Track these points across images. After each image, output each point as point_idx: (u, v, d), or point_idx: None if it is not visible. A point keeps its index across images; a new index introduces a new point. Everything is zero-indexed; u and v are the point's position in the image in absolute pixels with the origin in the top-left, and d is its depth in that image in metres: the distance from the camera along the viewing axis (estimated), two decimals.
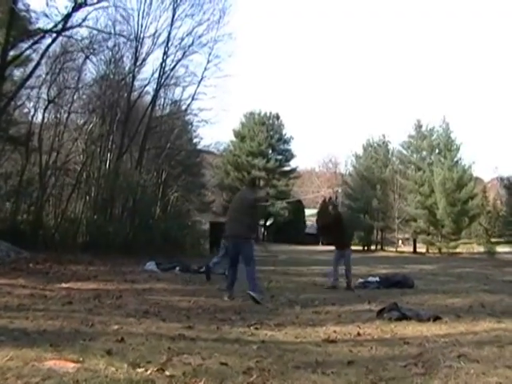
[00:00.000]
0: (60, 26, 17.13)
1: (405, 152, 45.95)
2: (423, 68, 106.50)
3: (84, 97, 22.08)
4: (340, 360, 4.73)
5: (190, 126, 30.38)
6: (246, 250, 9.32)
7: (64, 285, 10.10)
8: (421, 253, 40.84)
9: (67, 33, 17.89)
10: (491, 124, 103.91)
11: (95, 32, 19.09)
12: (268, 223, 58.15)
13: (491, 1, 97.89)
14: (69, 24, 17.40)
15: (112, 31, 20.33)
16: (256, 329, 6.21)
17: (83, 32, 18.91)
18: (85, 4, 17.21)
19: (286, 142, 58.47)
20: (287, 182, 56.73)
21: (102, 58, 21.68)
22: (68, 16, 16.97)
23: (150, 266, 14.81)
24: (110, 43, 20.86)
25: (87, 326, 5.80)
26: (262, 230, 59.26)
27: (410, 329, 6.45)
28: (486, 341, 5.69)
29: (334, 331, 6.19)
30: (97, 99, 21.82)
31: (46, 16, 16.65)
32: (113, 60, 22.16)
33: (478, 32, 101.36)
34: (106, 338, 5.07)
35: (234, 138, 56.61)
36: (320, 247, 43.45)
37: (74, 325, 5.77)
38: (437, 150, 42.39)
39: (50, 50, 18.45)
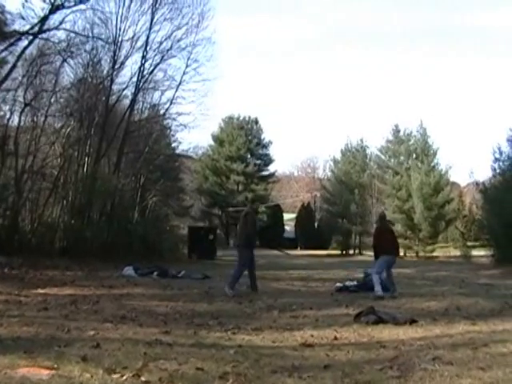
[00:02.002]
0: (36, 29, 16.92)
1: (383, 157, 46.30)
2: (400, 73, 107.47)
3: (61, 100, 21.81)
4: (316, 364, 4.75)
5: (168, 131, 30.18)
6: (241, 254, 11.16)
7: (40, 290, 10.00)
8: (398, 257, 41.05)
9: (44, 35, 17.69)
10: (467, 129, 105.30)
11: (73, 35, 18.88)
12: None
13: (468, 6, 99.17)
14: (46, 26, 17.20)
15: (90, 34, 20.09)
16: (233, 333, 6.21)
17: (60, 35, 18.70)
18: (62, 6, 17.03)
19: (265, 146, 58.51)
20: (266, 187, 56.72)
21: (80, 61, 21.43)
22: (45, 18, 16.77)
23: (128, 270, 14.72)
24: (88, 46, 20.63)
25: (63, 332, 5.76)
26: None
27: (386, 332, 6.50)
28: (460, 343, 5.78)
29: (311, 335, 6.22)
30: (74, 103, 21.58)
31: (23, 18, 16.42)
32: (91, 63, 21.93)
33: (453, 37, 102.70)
34: (81, 344, 5.04)
35: (212, 143, 56.47)
36: (298, 251, 43.60)
37: (50, 331, 5.72)
38: (414, 155, 42.74)
39: (27, 52, 18.19)
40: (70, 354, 4.60)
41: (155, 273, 14.66)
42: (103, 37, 21.04)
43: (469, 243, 34.03)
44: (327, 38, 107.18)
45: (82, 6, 18.18)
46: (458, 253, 35.40)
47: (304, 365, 4.69)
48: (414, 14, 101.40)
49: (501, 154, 25.04)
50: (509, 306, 9.10)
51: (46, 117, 20.75)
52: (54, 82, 20.59)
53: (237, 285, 10.92)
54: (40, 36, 17.50)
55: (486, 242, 27.33)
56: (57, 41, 18.50)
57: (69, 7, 17.31)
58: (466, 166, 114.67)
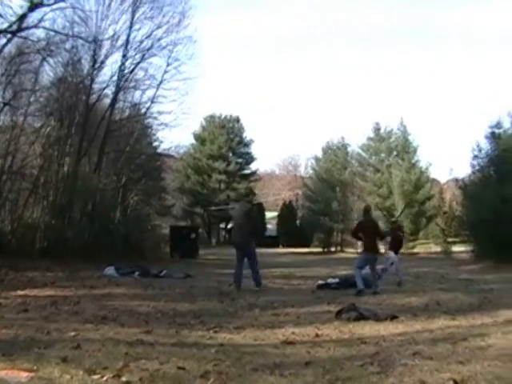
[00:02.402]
0: (15, 27, 16.73)
1: (364, 154, 46.59)
2: (381, 71, 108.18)
3: (41, 99, 21.56)
4: (298, 361, 4.77)
5: (149, 130, 30.03)
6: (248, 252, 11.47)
7: (19, 292, 9.89)
8: (380, 253, 41.33)
9: (23, 34, 17.48)
10: (447, 126, 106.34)
11: (52, 33, 18.66)
12: (229, 226, 58.14)
13: (447, 4, 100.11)
14: (24, 24, 17.02)
15: (70, 33, 19.88)
16: (215, 332, 6.21)
17: (40, 33, 18.48)
18: (41, 4, 16.85)
19: (247, 145, 58.61)
20: (248, 185, 56.82)
21: (60, 60, 21.21)
22: (23, 16, 16.58)
23: (110, 270, 14.63)
24: (68, 45, 20.43)
25: (43, 333, 5.71)
26: (223, 233, 59.18)
27: (367, 328, 6.55)
28: (440, 338, 5.84)
29: (293, 333, 6.24)
30: (54, 102, 21.37)
31: (0, 16, 16.25)
32: (71, 62, 21.72)
33: (433, 35, 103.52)
34: (61, 346, 5.00)
35: (194, 142, 56.39)
36: (281, 249, 43.68)
37: (29, 333, 5.67)
38: (395, 153, 43.07)
39: (5, 50, 17.98)
40: (49, 355, 4.56)
41: (137, 272, 14.60)
42: (83, 35, 20.84)
43: (449, 239, 34.38)
44: (308, 37, 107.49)
45: (62, 4, 18.03)
46: (438, 249, 35.79)
47: (285, 362, 4.70)
48: (393, 12, 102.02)
49: (480, 151, 25.35)
50: (487, 300, 9.23)
51: (25, 116, 20.51)
52: (33, 81, 20.36)
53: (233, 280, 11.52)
54: (19, 34, 17.30)
55: (465, 237, 27.64)
56: (36, 39, 18.32)
57: (48, 5, 17.14)
58: (446, 162, 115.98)
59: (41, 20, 17.33)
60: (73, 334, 5.73)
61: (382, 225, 39.83)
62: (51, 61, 20.47)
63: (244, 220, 11.54)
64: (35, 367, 4.08)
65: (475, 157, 25.52)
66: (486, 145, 25.27)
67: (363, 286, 10.39)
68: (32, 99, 20.55)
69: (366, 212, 12.40)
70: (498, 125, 24.81)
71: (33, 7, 16.62)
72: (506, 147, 23.69)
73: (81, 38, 20.64)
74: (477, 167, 25.89)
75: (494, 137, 24.82)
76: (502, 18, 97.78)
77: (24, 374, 3.82)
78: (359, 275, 10.63)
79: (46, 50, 18.80)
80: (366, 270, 11.22)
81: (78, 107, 22.10)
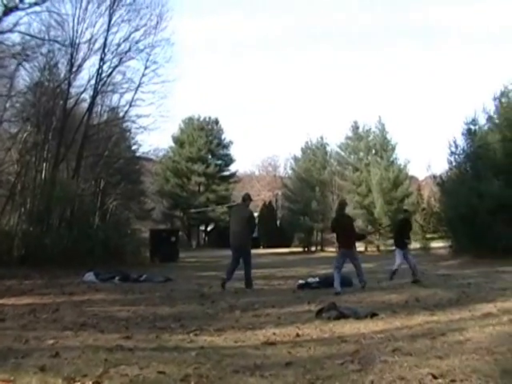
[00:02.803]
0: None
1: (342, 153, 46.74)
2: (358, 70, 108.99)
3: (17, 105, 21.33)
4: (278, 362, 4.78)
5: (128, 133, 29.89)
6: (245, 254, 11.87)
7: None
8: (360, 251, 41.46)
9: None
10: (424, 123, 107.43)
11: (28, 38, 18.49)
12: (209, 228, 58.04)
13: (423, 4, 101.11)
14: None
15: (46, 37, 19.70)
16: (195, 335, 6.19)
17: (15, 38, 18.32)
18: (16, 8, 16.67)
19: (226, 146, 58.52)
20: (227, 187, 56.72)
21: (36, 64, 21.00)
22: None
23: (89, 276, 14.50)
24: (44, 49, 20.22)
25: (21, 342, 5.64)
26: (203, 235, 59.01)
27: (347, 327, 6.59)
28: (419, 334, 5.91)
29: (274, 333, 6.25)
30: (31, 107, 21.15)
31: None
32: (47, 66, 21.51)
33: (409, 34, 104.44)
34: (40, 354, 4.95)
35: (173, 144, 56.18)
36: (261, 250, 43.61)
37: (7, 342, 5.59)
38: (373, 151, 43.28)
39: None
40: (27, 364, 4.51)
41: (117, 277, 14.48)
42: (60, 39, 20.68)
43: (428, 235, 34.69)
44: (284, 37, 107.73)
45: (37, 8, 17.87)
46: (417, 245, 36.11)
47: (266, 363, 4.71)
48: (368, 12, 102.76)
49: (456, 147, 25.64)
50: (466, 295, 9.37)
51: (1, 122, 20.28)
52: (9, 86, 20.12)
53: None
54: None
55: (444, 233, 27.94)
56: (11, 44, 18.12)
57: (23, 9, 16.99)
58: (424, 159, 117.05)
59: (16, 24, 17.18)
60: (51, 341, 5.67)
61: (361, 223, 40.39)
62: (27, 65, 20.30)
63: (243, 224, 11.89)
64: (12, 377, 4.03)
65: (452, 153, 25.85)
66: (462, 141, 25.60)
67: (340, 288, 10.43)
68: (8, 105, 20.33)
69: (341, 207, 12.46)
70: (474, 121, 25.15)
71: (7, 11, 16.45)
72: (481, 143, 24.04)
73: (57, 41, 20.48)
74: (453, 163, 26.20)
75: (469, 133, 25.15)
76: (474, 16, 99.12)
77: None
78: (338, 277, 10.66)
79: (21, 55, 18.58)
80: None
81: (56, 112, 21.90)
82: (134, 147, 31.52)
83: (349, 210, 42.09)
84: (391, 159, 42.13)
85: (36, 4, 17.37)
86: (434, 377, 4.03)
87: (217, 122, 57.80)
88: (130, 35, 23.01)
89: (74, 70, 21.86)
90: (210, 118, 57.51)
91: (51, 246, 19.15)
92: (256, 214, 57.00)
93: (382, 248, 40.08)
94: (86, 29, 21.79)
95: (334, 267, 11.12)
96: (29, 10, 17.34)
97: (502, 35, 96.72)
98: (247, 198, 12.69)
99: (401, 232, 13.39)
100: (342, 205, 12.76)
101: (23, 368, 4.37)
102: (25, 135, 20.90)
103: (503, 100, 24.42)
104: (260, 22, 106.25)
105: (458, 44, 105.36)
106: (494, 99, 24.64)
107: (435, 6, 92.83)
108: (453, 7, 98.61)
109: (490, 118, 24.93)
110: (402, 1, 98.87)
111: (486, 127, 25.05)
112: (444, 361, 4.55)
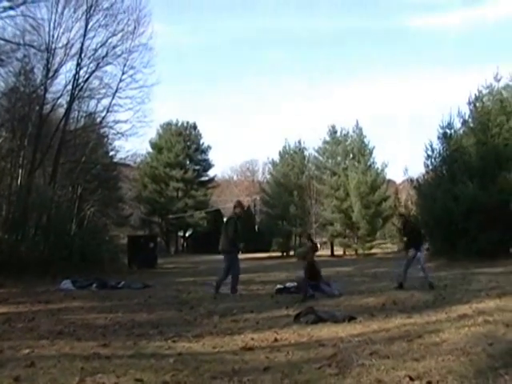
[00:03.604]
0: None
1: (320, 158, 46.94)
2: (336, 74, 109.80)
3: None
4: (256, 367, 4.79)
5: (105, 139, 29.66)
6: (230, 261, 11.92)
7: None
8: (338, 255, 41.84)
9: None
10: (401, 127, 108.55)
11: (2, 42, 18.27)
12: (187, 234, 57.82)
13: (398, 10, 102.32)
14: None
15: (21, 41, 19.45)
16: (173, 342, 6.17)
17: None
18: None
19: (204, 151, 58.39)
20: (206, 192, 56.59)
21: (11, 69, 20.73)
22: None
23: (66, 284, 14.33)
24: (20, 54, 19.99)
25: None
26: (182, 241, 58.76)
27: (325, 331, 6.62)
28: (396, 336, 5.97)
29: (252, 338, 6.26)
30: (6, 113, 20.88)
31: None
32: (23, 72, 21.26)
33: (387, 39, 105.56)
34: (15, 364, 4.89)
35: (151, 150, 55.88)
36: (240, 255, 43.56)
37: None
38: (351, 155, 43.53)
39: None
40: (1, 375, 4.45)
41: (94, 285, 14.33)
42: (35, 44, 20.42)
43: (405, 239, 34.97)
44: (264, 39, 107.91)
45: (12, 13, 17.67)
46: (395, 248, 36.43)
47: (244, 368, 4.71)
48: (346, 15, 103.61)
49: (433, 151, 25.86)
50: (442, 297, 9.49)
51: None
52: None
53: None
54: None
55: None
56: None
57: None
58: (402, 163, 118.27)
59: None
60: (27, 351, 5.60)
61: (339, 227, 40.58)
62: (2, 70, 20.08)
63: (226, 229, 12.08)
64: None
65: (428, 157, 26.07)
66: (438, 145, 25.87)
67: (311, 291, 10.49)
68: None
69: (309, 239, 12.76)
70: (449, 125, 25.44)
71: None
72: (456, 147, 24.34)
73: (33, 46, 20.24)
74: (430, 167, 26.46)
75: (445, 137, 25.43)
76: (451, 18, 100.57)
77: None
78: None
79: None
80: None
81: (31, 118, 21.62)
82: (111, 153, 31.35)
83: (327, 214, 42.73)
84: (369, 163, 42.45)
85: (11, 8, 17.21)
86: (411, 379, 4.09)
87: (195, 126, 57.70)
88: (107, 40, 22.83)
89: (50, 75, 21.62)
90: (188, 122, 57.39)
91: (27, 253, 18.88)
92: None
93: (360, 251, 40.35)
94: (63, 34, 21.58)
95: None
96: (3, 15, 17.18)
97: (477, 38, 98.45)
98: (236, 206, 12.78)
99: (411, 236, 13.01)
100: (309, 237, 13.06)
101: None
102: (0, 141, 20.62)
103: (477, 104, 24.79)
104: (239, 22, 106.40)
105: (435, 47, 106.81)
106: (469, 103, 25.00)
107: (411, 11, 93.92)
108: (426, 12, 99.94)
109: (464, 122, 25.28)
110: (376, 6, 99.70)
111: (461, 131, 25.37)
112: (421, 363, 4.62)
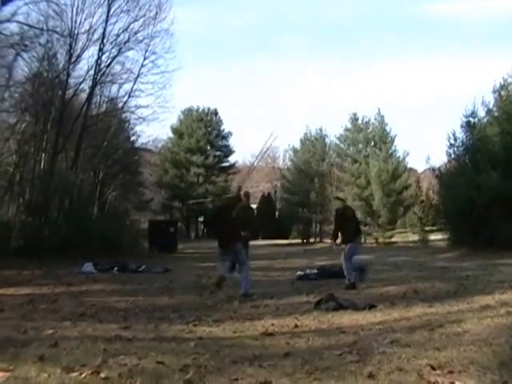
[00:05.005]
0: None
1: (341, 145, 46.56)
2: (358, 60, 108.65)
3: (16, 95, 21.22)
4: (277, 352, 4.79)
5: (127, 124, 29.85)
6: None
7: None
8: (359, 243, 41.59)
9: None
10: (423, 115, 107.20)
11: (26, 28, 18.36)
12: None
13: None
14: None
15: (44, 27, 19.54)
16: (194, 326, 6.21)
17: (13, 27, 18.13)
18: None
19: (225, 137, 58.38)
20: (226, 178, 56.63)
21: (35, 54, 20.85)
22: None
23: (88, 267, 14.51)
24: (43, 39, 20.06)
25: (19, 332, 5.65)
26: (202, 226, 58.94)
27: (346, 318, 6.60)
28: (417, 325, 5.92)
29: (272, 324, 6.26)
30: (29, 97, 21.05)
31: None
32: (46, 57, 21.39)
33: (409, 25, 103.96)
34: (39, 344, 4.96)
35: (171, 135, 56.02)
36: (260, 242, 43.61)
37: (5, 332, 5.60)
38: (372, 143, 43.10)
39: None
40: (26, 354, 4.52)
41: (115, 268, 14.50)
42: (58, 30, 20.54)
43: (426, 228, 34.69)
44: (284, 27, 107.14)
45: None
46: (416, 237, 36.13)
47: (264, 354, 4.72)
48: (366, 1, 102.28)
49: (455, 139, 25.53)
50: (463, 287, 9.38)
51: None
52: (7, 76, 19.98)
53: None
54: None
55: (442, 226, 27.93)
56: (9, 34, 17.94)
57: None
58: (423, 152, 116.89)
59: (14, 14, 17.08)
60: (50, 331, 5.68)
61: (360, 215, 40.44)
62: (26, 56, 20.15)
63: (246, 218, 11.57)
64: (11, 367, 4.04)
65: (451, 146, 25.73)
66: (461, 134, 25.52)
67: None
68: (6, 95, 20.23)
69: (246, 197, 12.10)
70: (473, 114, 25.06)
71: (5, 1, 16.35)
72: (480, 136, 23.98)
73: (56, 32, 20.35)
74: (452, 156, 26.11)
75: (468, 126, 25.07)
76: (477, 7, 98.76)
77: (0, 374, 3.78)
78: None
79: (19, 45, 18.45)
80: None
81: (54, 102, 21.80)
82: (132, 138, 31.52)
83: (348, 202, 42.55)
84: (390, 151, 42.00)
85: None
86: (433, 368, 4.05)
87: (216, 112, 57.66)
88: (129, 26, 22.92)
89: (72, 60, 21.76)
90: (209, 108, 57.36)
91: (49, 236, 19.12)
92: (255, 206, 57.18)
93: (380, 240, 40.12)
94: (85, 19, 21.71)
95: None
96: (27, 0, 17.23)
97: (504, 28, 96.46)
98: (245, 195, 12.21)
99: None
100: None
101: (22, 357, 4.38)
102: (23, 126, 20.82)
103: (502, 93, 24.34)
104: (260, 9, 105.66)
105: (459, 35, 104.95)
106: (494, 92, 24.55)
107: None
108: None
109: (489, 111, 24.84)
110: None
111: (485, 120, 24.95)
112: (442, 352, 4.56)
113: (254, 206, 57.84)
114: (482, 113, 25.08)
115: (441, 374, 3.93)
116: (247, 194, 12.75)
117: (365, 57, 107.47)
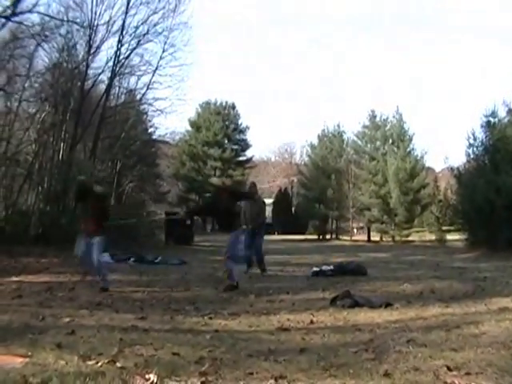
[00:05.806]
0: (9, 11, 16.54)
1: (359, 142, 46.41)
2: (377, 58, 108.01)
3: (36, 85, 21.39)
4: (292, 348, 4.78)
5: (144, 116, 29.98)
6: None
7: (14, 278, 9.89)
8: (375, 241, 41.52)
9: (17, 18, 17.25)
10: (442, 114, 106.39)
11: (47, 18, 18.47)
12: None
13: None
14: (19, 9, 16.82)
15: (65, 18, 19.70)
16: (210, 318, 6.22)
17: (34, 18, 18.31)
18: None
19: (242, 131, 58.47)
20: (243, 172, 56.74)
21: (55, 45, 20.98)
22: (18, 1, 16.41)
23: (104, 257, 14.58)
24: (63, 30, 20.20)
25: (37, 319, 5.71)
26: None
27: (362, 315, 6.57)
28: (434, 325, 5.87)
29: (288, 319, 6.25)
30: (49, 88, 21.20)
31: None
32: (66, 48, 21.50)
33: (428, 22, 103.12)
34: (56, 331, 5.00)
35: (189, 128, 56.20)
36: (275, 237, 43.63)
37: (24, 319, 5.67)
38: (390, 141, 42.95)
39: None
40: (44, 341, 4.56)
41: (132, 259, 14.59)
42: (78, 21, 20.66)
43: (444, 227, 34.48)
44: (304, 21, 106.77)
45: None
46: (433, 237, 35.93)
47: (280, 348, 4.71)
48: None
49: (475, 139, 25.28)
50: (481, 288, 9.27)
51: (19, 102, 20.37)
52: (27, 66, 20.17)
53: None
54: (13, 19, 17.10)
55: (460, 226, 27.71)
56: (30, 24, 18.06)
57: None
58: (442, 151, 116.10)
59: (35, 5, 17.15)
60: (67, 319, 5.73)
61: (376, 212, 40.21)
62: (46, 46, 20.29)
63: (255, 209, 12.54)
64: (29, 353, 4.08)
65: (470, 145, 25.49)
66: (480, 134, 25.25)
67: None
68: (26, 85, 20.40)
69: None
70: (493, 114, 24.78)
71: None
72: (500, 136, 23.69)
73: (76, 23, 20.47)
74: (471, 156, 25.87)
75: (488, 126, 24.80)
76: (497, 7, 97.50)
77: (18, 360, 3.83)
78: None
79: (40, 35, 18.60)
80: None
81: (73, 93, 21.95)
82: (150, 130, 31.62)
83: (364, 199, 42.44)
84: (408, 150, 41.80)
85: None
86: (449, 369, 4.00)
87: (233, 106, 57.77)
88: (148, 18, 22.93)
89: (92, 51, 21.86)
90: (226, 102, 57.51)
91: (67, 225, 19.26)
92: (271, 201, 57.23)
93: (397, 238, 39.95)
94: (105, 10, 21.76)
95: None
96: None
97: None
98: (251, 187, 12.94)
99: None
100: None
101: (40, 344, 4.43)
102: (43, 115, 20.99)
103: None
104: (278, 3, 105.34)
105: (480, 34, 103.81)
106: None
107: None
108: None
109: (509, 111, 24.54)
110: None
111: (505, 120, 24.65)
112: (459, 353, 4.51)
113: (269, 201, 58.23)
114: (502, 113, 24.82)
115: (457, 375, 3.89)
116: (254, 185, 13.20)
117: (385, 53, 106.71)
